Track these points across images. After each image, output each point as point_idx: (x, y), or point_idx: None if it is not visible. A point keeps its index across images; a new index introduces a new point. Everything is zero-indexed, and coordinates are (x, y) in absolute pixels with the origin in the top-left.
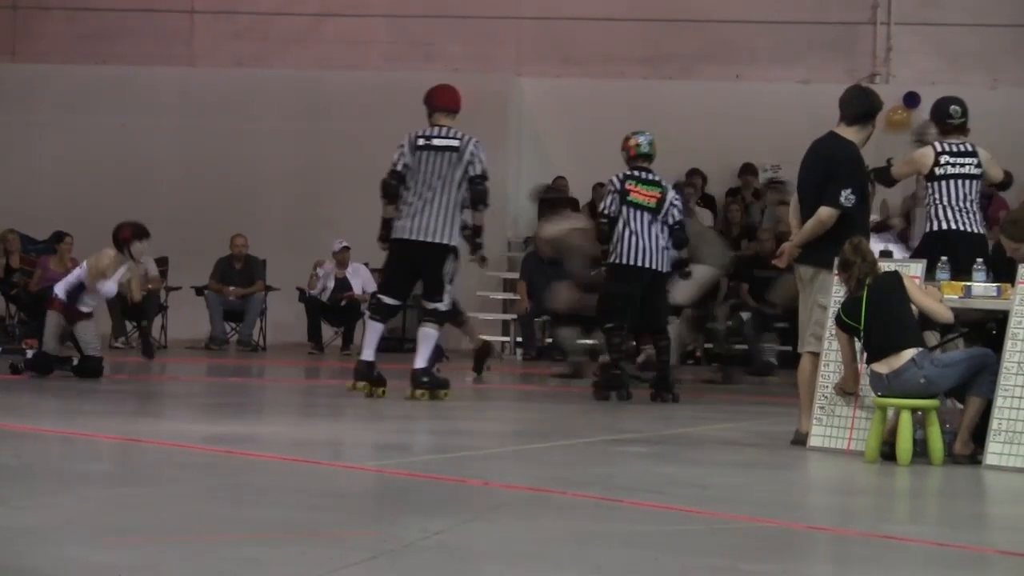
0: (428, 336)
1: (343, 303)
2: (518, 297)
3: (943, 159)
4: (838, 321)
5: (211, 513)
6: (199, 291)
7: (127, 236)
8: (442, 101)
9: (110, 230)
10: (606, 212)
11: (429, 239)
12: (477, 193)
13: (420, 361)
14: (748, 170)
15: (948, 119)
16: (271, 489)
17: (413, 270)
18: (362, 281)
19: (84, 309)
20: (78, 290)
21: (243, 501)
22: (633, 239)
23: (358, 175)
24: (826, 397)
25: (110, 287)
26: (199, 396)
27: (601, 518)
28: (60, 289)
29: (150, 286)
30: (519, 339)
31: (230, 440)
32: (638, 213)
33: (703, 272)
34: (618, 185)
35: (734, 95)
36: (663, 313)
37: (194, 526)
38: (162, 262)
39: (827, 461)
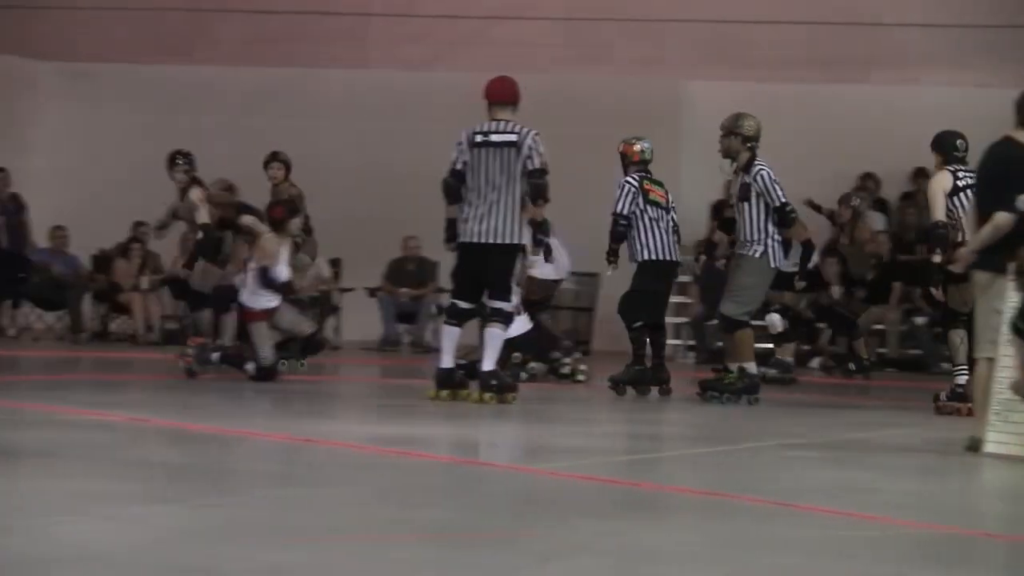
0: (495, 336)
1: None
2: (690, 301)
3: (960, 173)
4: (1013, 327)
5: (380, 514)
6: (372, 292)
7: (282, 215)
8: (498, 94)
9: None
10: (625, 212)
11: (499, 241)
12: (536, 188)
13: (488, 363)
14: (921, 174)
15: (954, 151)
16: (440, 490)
17: (483, 272)
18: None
19: (272, 305)
20: (257, 287)
21: (412, 502)
22: (664, 236)
23: None
24: (1001, 403)
25: (282, 270)
26: (369, 397)
27: (774, 522)
28: (245, 299)
29: (322, 287)
30: (691, 342)
31: (399, 441)
32: (659, 211)
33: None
34: (637, 185)
35: (908, 99)
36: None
37: (363, 526)
38: (335, 263)
39: (1002, 467)
